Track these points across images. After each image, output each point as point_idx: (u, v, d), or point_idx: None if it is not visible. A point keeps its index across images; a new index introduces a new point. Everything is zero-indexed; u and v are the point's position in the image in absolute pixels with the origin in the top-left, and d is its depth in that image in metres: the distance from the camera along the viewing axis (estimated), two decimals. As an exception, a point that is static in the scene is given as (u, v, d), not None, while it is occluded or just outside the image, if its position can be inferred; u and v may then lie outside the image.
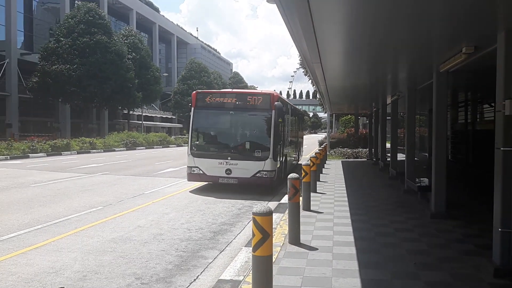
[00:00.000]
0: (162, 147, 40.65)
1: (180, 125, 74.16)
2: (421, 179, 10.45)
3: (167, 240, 6.87)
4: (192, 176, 11.99)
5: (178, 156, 26.47)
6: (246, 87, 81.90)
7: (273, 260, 4.82)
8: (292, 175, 6.52)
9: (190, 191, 12.01)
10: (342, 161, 23.12)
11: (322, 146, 24.40)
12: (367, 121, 29.72)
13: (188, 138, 12.51)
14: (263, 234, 3.84)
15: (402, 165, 12.19)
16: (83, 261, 5.70)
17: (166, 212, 9.13)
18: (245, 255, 5.56)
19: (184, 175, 13.37)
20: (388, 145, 18.56)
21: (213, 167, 11.65)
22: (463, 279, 4.80)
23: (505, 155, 4.92)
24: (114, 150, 33.40)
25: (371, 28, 5.46)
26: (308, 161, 9.32)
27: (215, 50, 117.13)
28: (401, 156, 14.67)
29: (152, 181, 14.20)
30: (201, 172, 11.77)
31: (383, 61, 8.26)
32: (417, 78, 10.19)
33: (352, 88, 13.28)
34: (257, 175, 11.47)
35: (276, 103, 11.68)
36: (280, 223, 7.45)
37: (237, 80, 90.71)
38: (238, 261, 5.42)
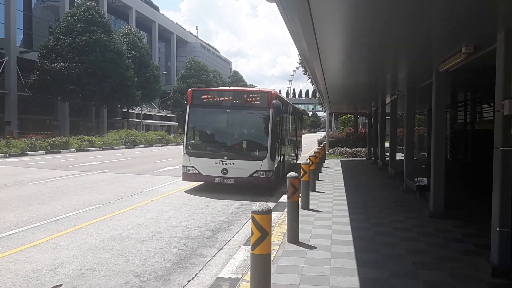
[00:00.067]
0: (161, 146, 40.65)
1: (179, 124, 74.18)
2: (420, 178, 10.47)
3: (166, 238, 6.88)
4: (187, 176, 11.73)
5: (177, 154, 26.43)
6: (245, 86, 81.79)
7: (272, 259, 4.83)
8: (291, 174, 6.52)
9: (189, 190, 12.00)
10: (341, 160, 23.14)
11: (321, 145, 24.40)
12: (366, 121, 29.72)
13: (183, 136, 12.31)
14: (262, 232, 3.84)
15: (401, 164, 12.20)
16: (82, 259, 5.70)
17: (164, 210, 9.13)
18: (244, 254, 5.56)
19: (183, 173, 13.35)
20: (387, 144, 18.59)
21: (209, 166, 11.39)
22: (461, 278, 4.80)
23: (503, 155, 4.93)
24: (113, 148, 33.39)
25: (371, 28, 5.46)
26: (307, 160, 9.32)
27: (215, 49, 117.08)
28: (400, 156, 14.70)
29: (151, 180, 14.20)
30: (197, 171, 11.51)
31: (382, 60, 8.27)
32: (416, 77, 10.19)
33: (351, 87, 13.28)
34: (254, 175, 11.19)
35: (274, 101, 11.41)
36: (279, 222, 7.46)
37: (237, 79, 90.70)
38: (237, 259, 5.42)
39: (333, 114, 35.64)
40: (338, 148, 27.27)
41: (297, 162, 19.50)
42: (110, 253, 5.98)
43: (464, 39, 5.83)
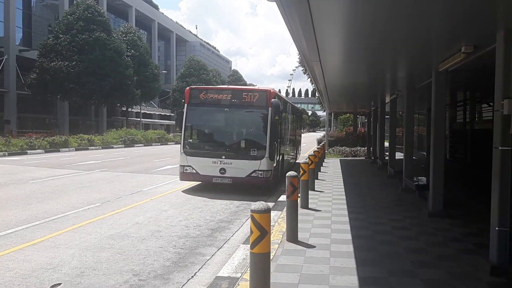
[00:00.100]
0: (161, 145, 40.64)
1: (179, 123, 74.00)
2: (419, 178, 10.47)
3: (165, 237, 6.88)
4: (184, 176, 11.57)
5: (177, 153, 26.21)
6: (245, 85, 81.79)
7: (271, 258, 4.83)
8: (291, 173, 6.53)
9: (188, 189, 12.00)
10: (340, 159, 23.15)
11: (320, 145, 24.41)
12: (366, 120, 29.73)
13: (180, 136, 12.11)
14: (261, 231, 3.85)
15: (400, 163, 12.21)
16: (81, 258, 5.70)
17: (164, 209, 9.13)
18: (243, 252, 5.57)
19: (182, 172, 13.33)
20: (386, 143, 18.58)
21: (207, 166, 11.23)
22: (460, 277, 4.81)
23: (503, 154, 4.93)
24: (113, 147, 33.39)
25: (371, 27, 5.46)
26: (306, 159, 9.32)
27: (214, 48, 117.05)
28: (399, 155, 14.71)
29: (150, 178, 14.20)
30: (194, 171, 11.35)
31: (382, 60, 8.27)
32: (416, 77, 10.20)
33: (351, 86, 13.29)
34: (252, 174, 11.03)
35: (272, 100, 11.20)
36: (278, 221, 7.47)
37: (236, 78, 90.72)
38: (236, 258, 5.42)
39: (333, 113, 35.64)
40: (338, 147, 27.28)
41: (297, 161, 19.49)
42: (109, 252, 5.98)
43: (464, 39, 5.83)
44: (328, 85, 12.36)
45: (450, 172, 10.92)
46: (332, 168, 17.76)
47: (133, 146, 35.94)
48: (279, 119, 12.08)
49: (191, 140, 12.08)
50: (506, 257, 4.90)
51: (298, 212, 6.58)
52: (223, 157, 11.17)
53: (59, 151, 27.21)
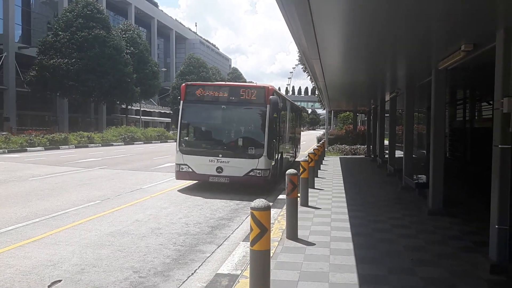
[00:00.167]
0: (160, 142, 40.61)
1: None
2: (419, 176, 10.49)
3: (165, 234, 6.89)
4: (180, 174, 11.30)
5: (176, 151, 26.42)
6: (244, 82, 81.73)
7: (271, 255, 4.84)
8: (290, 171, 6.54)
9: (188, 187, 12.00)
10: (340, 157, 23.17)
11: (320, 143, 24.43)
12: (366, 118, 29.74)
13: (176, 133, 11.84)
14: (261, 228, 3.85)
15: (400, 162, 12.22)
16: (81, 255, 5.71)
17: (164, 207, 9.14)
18: (243, 250, 5.59)
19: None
20: (386, 142, 18.59)
21: (203, 164, 10.95)
22: (460, 275, 4.83)
23: (502, 153, 4.94)
24: (112, 145, 33.38)
25: (371, 25, 5.46)
26: (306, 157, 9.33)
27: (214, 46, 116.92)
28: (399, 153, 14.72)
29: (150, 176, 14.21)
30: (190, 170, 11.07)
31: (382, 58, 8.27)
32: (415, 75, 10.20)
33: (351, 84, 13.29)
34: (250, 174, 10.76)
35: (271, 97, 10.93)
36: (278, 219, 7.48)
37: (236, 76, 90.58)
38: (236, 255, 5.44)
39: (332, 111, 35.65)
40: (337, 145, 27.29)
41: (296, 160, 19.47)
42: (110, 249, 5.99)
43: (464, 37, 5.83)
44: (328, 83, 12.36)
45: (450, 170, 10.93)
46: (331, 166, 17.78)
47: (133, 144, 35.93)
48: (277, 116, 11.84)
49: (187, 138, 11.82)
50: (506, 255, 4.91)
51: (298, 210, 6.59)
52: (220, 155, 10.92)
53: (58, 148, 27.20)
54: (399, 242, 6.15)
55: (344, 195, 10.28)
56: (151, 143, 39.14)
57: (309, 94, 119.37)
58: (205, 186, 11.90)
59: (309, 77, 24.36)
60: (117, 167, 16.58)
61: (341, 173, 15.18)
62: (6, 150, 23.38)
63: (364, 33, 5.89)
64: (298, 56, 33.27)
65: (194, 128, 12.20)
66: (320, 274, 4.78)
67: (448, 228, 7.03)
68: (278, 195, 10.13)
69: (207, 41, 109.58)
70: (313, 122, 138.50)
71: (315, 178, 12.04)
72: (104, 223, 7.50)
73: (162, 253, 5.90)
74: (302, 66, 31.56)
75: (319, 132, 58.62)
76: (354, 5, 4.63)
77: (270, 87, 11.40)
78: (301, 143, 24.98)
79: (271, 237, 4.77)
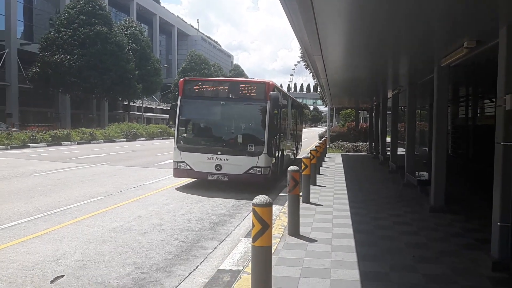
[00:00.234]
0: (162, 139, 40.66)
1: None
2: (421, 173, 10.47)
3: (167, 230, 6.91)
4: (178, 172, 11.02)
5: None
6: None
7: (273, 251, 4.85)
8: (292, 167, 6.54)
9: (190, 183, 12.00)
10: (342, 154, 23.15)
11: (322, 140, 24.42)
12: (368, 115, 29.71)
13: (174, 130, 11.51)
14: (263, 224, 3.86)
15: (402, 159, 12.21)
16: (84, 250, 5.73)
17: (166, 203, 9.16)
18: (245, 246, 5.60)
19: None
20: (388, 139, 18.58)
21: (202, 162, 10.67)
22: (461, 272, 4.82)
23: (505, 150, 4.93)
24: (114, 141, 33.43)
25: (373, 21, 5.45)
26: (308, 154, 9.32)
27: (216, 42, 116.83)
28: (401, 150, 14.70)
29: (152, 172, 14.23)
30: (188, 167, 10.79)
31: (384, 54, 8.24)
32: (418, 72, 10.17)
33: (353, 81, 13.25)
34: (249, 171, 10.46)
35: (271, 92, 10.58)
36: (280, 215, 7.49)
37: (238, 73, 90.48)
38: (238, 251, 5.45)
39: (334, 108, 35.57)
40: (339, 142, 27.26)
41: (297, 157, 19.40)
42: (112, 245, 6.01)
43: (466, 34, 5.81)
44: (330, 80, 12.33)
45: (452, 167, 10.92)
46: (333, 163, 17.77)
47: (135, 140, 35.98)
48: (278, 113, 11.57)
49: (185, 135, 11.51)
50: (507, 252, 4.90)
51: (300, 207, 6.61)
52: (219, 152, 10.65)
53: (61, 144, 27.26)
54: (400, 239, 6.15)
55: (345, 192, 10.28)
56: (153, 139, 39.20)
57: (311, 91, 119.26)
58: (207, 183, 11.89)
59: (311, 74, 24.31)
60: (119, 163, 16.61)
61: (343, 170, 15.18)
62: (8, 146, 23.46)
63: (368, 28, 5.86)
64: (300, 53, 33.23)
65: (192, 124, 11.88)
66: (322, 271, 4.78)
67: (450, 225, 7.02)
68: (280, 192, 10.13)
69: (209, 37, 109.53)
70: (315, 119, 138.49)
71: (317, 175, 12.02)
72: (106, 219, 7.52)
73: (164, 249, 5.92)
74: (304, 63, 31.53)
75: (321, 129, 58.56)
76: (356, 0, 4.61)
77: (270, 83, 11.13)
78: (302, 140, 24.95)
79: (273, 233, 4.78)
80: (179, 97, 11.34)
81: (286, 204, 7.13)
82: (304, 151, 20.52)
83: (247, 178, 10.62)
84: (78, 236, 6.39)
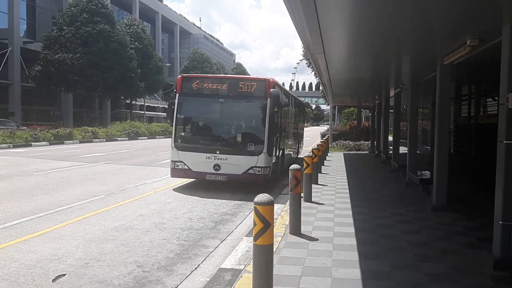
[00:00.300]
0: (164, 137, 40.65)
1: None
2: (423, 172, 10.46)
3: (169, 229, 6.91)
4: (175, 172, 10.78)
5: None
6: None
7: (274, 250, 4.85)
8: (294, 166, 6.52)
9: (192, 182, 11.99)
10: (344, 153, 23.13)
11: (324, 138, 24.38)
12: (370, 114, 29.65)
13: (172, 128, 11.24)
14: (264, 223, 3.85)
15: (404, 158, 12.19)
16: (85, 249, 5.74)
17: (168, 202, 9.17)
18: (246, 245, 5.60)
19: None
20: (390, 138, 18.55)
21: (200, 162, 10.40)
22: (463, 271, 4.81)
23: (507, 149, 4.91)
24: (117, 140, 33.49)
25: (376, 19, 5.43)
26: (310, 153, 9.31)
27: (218, 41, 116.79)
28: (403, 149, 14.68)
29: (154, 171, 14.24)
30: (186, 167, 10.54)
31: (386, 52, 8.22)
32: (420, 70, 10.14)
33: (355, 80, 13.23)
34: (249, 171, 10.17)
35: (272, 90, 10.22)
36: (281, 214, 7.49)
37: (240, 71, 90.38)
38: (239, 250, 5.45)
39: (337, 107, 35.49)
40: (341, 141, 27.23)
41: (299, 156, 19.31)
42: (114, 244, 6.02)
43: (469, 32, 5.79)
44: (332, 79, 12.31)
45: (454, 166, 10.89)
46: (335, 162, 17.75)
47: (137, 139, 36.03)
48: (279, 111, 11.27)
49: (183, 134, 11.20)
50: (509, 251, 4.89)
51: (301, 205, 6.60)
52: (218, 152, 10.34)
53: (63, 143, 27.32)
54: (402, 238, 6.14)
55: (347, 190, 10.26)
56: (155, 138, 39.25)
57: (314, 89, 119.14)
58: (209, 182, 11.87)
59: (313, 72, 24.27)
60: (122, 162, 16.63)
61: (344, 169, 15.16)
62: (11, 145, 23.51)
63: (370, 26, 5.85)
64: (303, 51, 33.20)
65: (190, 123, 11.44)
66: (323, 269, 4.78)
67: (452, 224, 7.00)
68: (282, 191, 10.12)
69: (211, 36, 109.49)
70: (317, 118, 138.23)
71: (319, 174, 12.00)
72: (108, 218, 7.53)
73: (166, 247, 5.93)
74: (307, 61, 31.45)
75: (323, 128, 58.53)
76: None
77: (271, 80, 10.75)
78: (304, 139, 24.88)
79: (274, 232, 4.78)
80: (177, 95, 11.00)
81: (288, 202, 7.13)
82: (305, 150, 20.48)
83: (247, 178, 10.35)
84: (80, 235, 6.40)
